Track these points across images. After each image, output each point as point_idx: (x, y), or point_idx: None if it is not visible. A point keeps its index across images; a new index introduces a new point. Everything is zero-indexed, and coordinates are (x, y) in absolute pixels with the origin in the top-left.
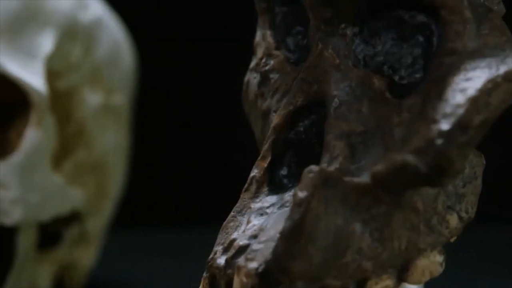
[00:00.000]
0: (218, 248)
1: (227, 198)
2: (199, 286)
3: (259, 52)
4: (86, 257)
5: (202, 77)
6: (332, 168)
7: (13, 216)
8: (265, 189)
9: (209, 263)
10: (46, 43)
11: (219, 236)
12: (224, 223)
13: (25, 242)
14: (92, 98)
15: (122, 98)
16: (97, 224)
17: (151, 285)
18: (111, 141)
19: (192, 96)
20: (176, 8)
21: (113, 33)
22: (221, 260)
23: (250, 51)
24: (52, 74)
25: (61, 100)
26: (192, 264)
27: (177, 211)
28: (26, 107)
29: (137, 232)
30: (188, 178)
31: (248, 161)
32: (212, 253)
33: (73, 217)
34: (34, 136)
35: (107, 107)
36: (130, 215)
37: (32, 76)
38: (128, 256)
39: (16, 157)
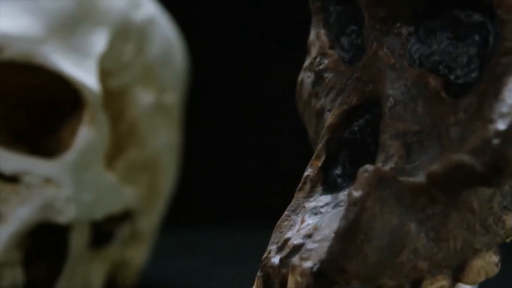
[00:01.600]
0: (272, 247)
1: (278, 198)
2: (251, 285)
3: (313, 51)
4: (138, 256)
5: (255, 77)
6: (387, 167)
7: (67, 215)
8: (319, 188)
9: (263, 262)
10: (99, 42)
11: (273, 235)
12: (278, 222)
13: (78, 240)
14: (144, 97)
15: (173, 97)
16: (149, 223)
17: (202, 284)
18: (163, 140)
19: (244, 95)
20: (227, 6)
21: (165, 32)
22: (275, 259)
23: (304, 50)
24: (104, 73)
25: (114, 99)
26: (243, 264)
27: (229, 210)
28: (79, 105)
29: (188, 231)
30: (240, 177)
31: (300, 161)
32: (266, 252)
33: (125, 216)
34: (87, 135)
35: (159, 106)
36: (181, 214)
37: (85, 75)
38: (179, 255)
39: (69, 156)
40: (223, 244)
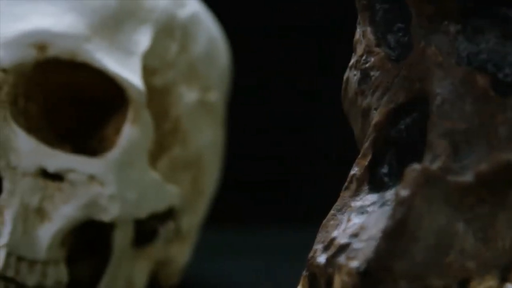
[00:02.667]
0: (318, 246)
1: (323, 197)
2: (296, 285)
3: (359, 49)
4: (181, 254)
5: (299, 75)
6: (435, 166)
7: (111, 213)
8: (366, 187)
9: (309, 262)
10: (144, 40)
11: (319, 234)
12: (324, 221)
13: (122, 239)
14: (188, 95)
15: (217, 95)
16: (192, 221)
17: (245, 284)
18: (206, 139)
19: (288, 93)
20: (270, 4)
21: (209, 30)
22: (322, 259)
23: (349, 48)
24: (149, 71)
25: (157, 97)
26: (287, 264)
27: (272, 210)
28: (123, 103)
29: (231, 230)
30: (284, 176)
31: (346, 159)
32: (312, 252)
33: (168, 214)
34: (131, 133)
35: (203, 104)
36: (223, 213)
37: (129, 72)
38: (222, 255)
39: (114, 154)
40: (267, 244)
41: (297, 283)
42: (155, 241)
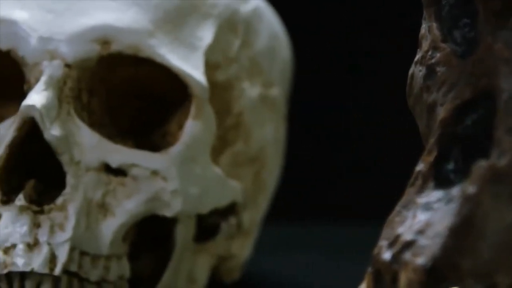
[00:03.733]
0: (384, 243)
1: (388, 193)
2: (359, 282)
3: (425, 45)
4: (243, 249)
5: (363, 71)
6: (502, 163)
7: (173, 208)
8: (431, 184)
9: (375, 258)
10: (207, 35)
11: (384, 231)
12: (389, 217)
13: (184, 234)
14: (250, 90)
15: (279, 91)
16: (254, 217)
17: (307, 280)
18: (268, 134)
19: (350, 88)
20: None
21: (271, 25)
22: (387, 255)
23: (415, 44)
24: (211, 66)
25: (220, 92)
26: (349, 260)
27: (335, 206)
28: (186, 99)
29: (293, 226)
30: (348, 172)
31: (411, 156)
32: (377, 248)
33: (230, 210)
34: (194, 128)
35: (265, 99)
36: (285, 208)
37: (192, 68)
38: (283, 250)
39: (176, 149)
40: (329, 240)
41: (358, 280)
42: (216, 236)
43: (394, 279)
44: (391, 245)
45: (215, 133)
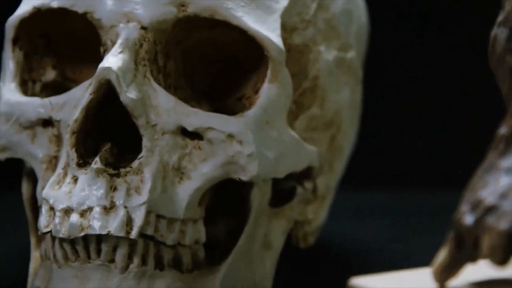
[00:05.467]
0: (465, 207)
1: (468, 158)
2: (431, 248)
3: (508, 6)
4: (318, 214)
5: (438, 32)
6: None
7: (249, 172)
8: None
9: (456, 223)
10: None
11: (466, 195)
12: (471, 182)
13: (260, 198)
14: (326, 54)
15: (355, 54)
16: (329, 181)
17: (383, 247)
18: (344, 98)
19: (425, 53)
20: None
21: None
22: (469, 220)
23: (497, 6)
24: (288, 29)
25: (296, 55)
26: (425, 227)
27: (409, 172)
28: (262, 62)
29: (367, 192)
30: (425, 136)
31: (492, 119)
32: (459, 213)
33: (306, 174)
34: (270, 92)
35: (341, 62)
36: (359, 174)
37: (269, 31)
38: (356, 216)
39: (253, 112)
40: (401, 207)
41: (431, 245)
42: (292, 201)
43: (476, 244)
44: (473, 209)
45: (291, 96)
